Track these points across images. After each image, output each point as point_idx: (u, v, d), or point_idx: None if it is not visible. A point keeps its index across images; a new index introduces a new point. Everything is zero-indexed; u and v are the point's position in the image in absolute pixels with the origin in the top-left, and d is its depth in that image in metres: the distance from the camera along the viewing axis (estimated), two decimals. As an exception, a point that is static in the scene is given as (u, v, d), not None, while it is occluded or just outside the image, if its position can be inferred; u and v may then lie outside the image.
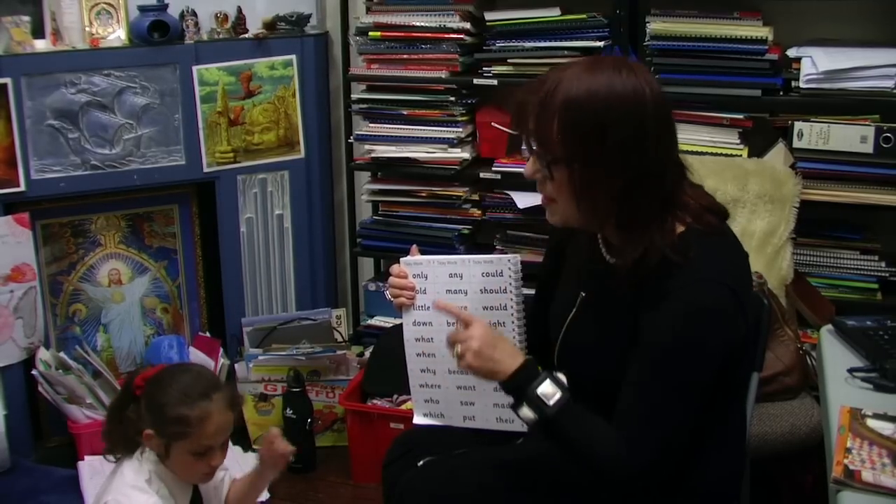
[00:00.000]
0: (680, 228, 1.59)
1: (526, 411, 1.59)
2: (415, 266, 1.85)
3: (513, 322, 1.77)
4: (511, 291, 1.76)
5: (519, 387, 1.60)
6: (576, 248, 1.77)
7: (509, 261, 1.77)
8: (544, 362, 1.86)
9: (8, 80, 2.71)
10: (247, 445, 2.93)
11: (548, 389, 1.59)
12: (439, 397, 1.87)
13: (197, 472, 2.00)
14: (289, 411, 2.82)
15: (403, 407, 2.74)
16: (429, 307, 1.83)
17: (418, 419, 1.91)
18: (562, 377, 1.64)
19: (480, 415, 1.84)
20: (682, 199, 1.61)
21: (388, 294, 1.91)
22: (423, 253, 1.87)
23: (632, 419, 1.57)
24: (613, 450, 1.56)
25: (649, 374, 1.56)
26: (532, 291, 1.90)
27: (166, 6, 2.92)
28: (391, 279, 1.86)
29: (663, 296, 1.53)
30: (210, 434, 1.95)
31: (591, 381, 1.69)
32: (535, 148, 1.59)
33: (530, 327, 1.80)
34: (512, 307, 1.76)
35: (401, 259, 1.87)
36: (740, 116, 2.71)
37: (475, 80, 2.97)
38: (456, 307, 1.74)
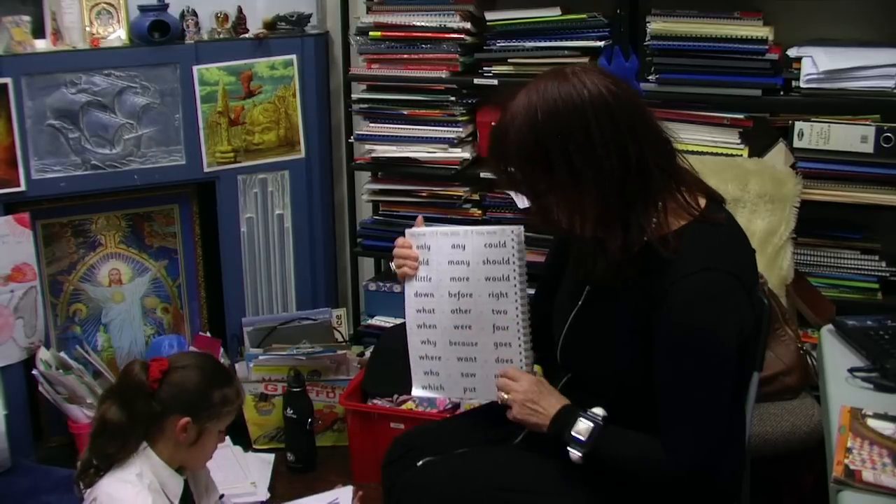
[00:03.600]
0: (682, 221, 1.60)
1: (572, 453, 1.64)
2: (419, 237, 1.85)
3: (515, 293, 1.76)
4: (514, 262, 1.76)
5: (558, 433, 1.66)
6: (578, 242, 1.76)
7: (512, 231, 1.76)
8: (545, 352, 1.86)
9: (8, 80, 2.72)
10: (247, 445, 2.94)
11: (580, 427, 1.64)
12: (439, 369, 1.87)
13: (211, 454, 2.05)
14: (289, 411, 2.82)
15: (404, 407, 2.74)
16: (430, 278, 1.83)
17: (417, 391, 1.91)
18: (598, 411, 1.66)
19: (481, 386, 1.84)
20: (677, 171, 1.62)
21: (392, 265, 1.91)
22: None
23: (665, 423, 1.58)
24: (659, 465, 1.58)
25: (671, 370, 1.56)
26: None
27: (166, 6, 2.92)
28: (395, 250, 1.87)
29: (669, 286, 1.54)
30: (240, 406, 2.07)
31: (594, 377, 1.70)
32: (522, 187, 1.63)
33: (535, 318, 1.80)
34: (515, 278, 1.76)
35: (406, 230, 1.87)
36: (740, 116, 2.71)
37: (475, 80, 2.97)
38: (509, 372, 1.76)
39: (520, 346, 1.78)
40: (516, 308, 1.76)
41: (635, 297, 1.59)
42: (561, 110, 1.52)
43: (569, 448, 1.65)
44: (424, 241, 1.85)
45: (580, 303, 1.73)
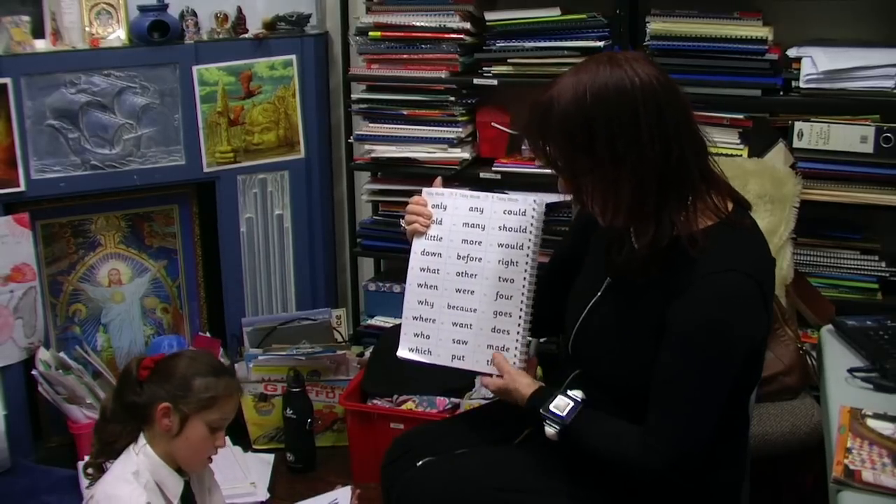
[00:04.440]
0: (709, 222, 1.60)
1: (548, 429, 1.66)
2: (436, 196, 1.85)
3: (526, 264, 1.75)
4: (531, 232, 1.75)
5: (533, 408, 1.68)
6: (604, 232, 1.74)
7: (534, 201, 1.76)
8: (544, 330, 1.87)
9: (8, 80, 2.71)
10: (246, 445, 2.94)
11: (559, 403, 1.66)
12: (431, 332, 1.85)
13: (204, 453, 2.02)
14: (289, 411, 2.82)
15: (404, 407, 2.74)
16: (441, 237, 1.82)
17: (403, 353, 1.89)
18: (576, 393, 1.67)
19: (471, 355, 1.82)
20: (710, 174, 1.62)
21: (402, 222, 1.91)
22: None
23: (653, 412, 1.58)
24: (632, 449, 1.57)
25: (673, 361, 1.55)
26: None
27: (166, 6, 2.92)
28: (409, 206, 1.86)
29: (690, 283, 1.53)
30: (230, 409, 2.03)
31: (605, 372, 1.69)
32: (559, 165, 1.60)
33: (539, 295, 1.80)
34: (529, 248, 1.75)
35: (423, 189, 1.87)
36: (740, 116, 2.71)
37: (475, 80, 2.96)
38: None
39: (520, 317, 1.77)
40: (524, 279, 1.75)
41: (655, 294, 1.58)
42: (611, 94, 1.52)
43: (545, 423, 1.65)
44: (442, 200, 1.84)
45: (598, 295, 1.72)
